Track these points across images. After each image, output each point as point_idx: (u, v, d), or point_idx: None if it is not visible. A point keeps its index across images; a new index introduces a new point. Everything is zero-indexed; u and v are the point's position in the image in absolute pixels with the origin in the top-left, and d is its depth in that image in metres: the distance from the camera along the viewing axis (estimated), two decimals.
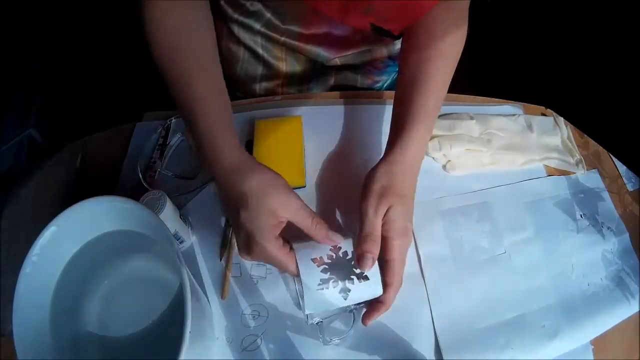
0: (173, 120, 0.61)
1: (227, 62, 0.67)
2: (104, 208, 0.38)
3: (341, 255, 0.41)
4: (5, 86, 1.24)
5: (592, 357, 0.44)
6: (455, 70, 0.50)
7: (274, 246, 0.39)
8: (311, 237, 0.40)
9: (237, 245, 0.42)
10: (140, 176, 0.55)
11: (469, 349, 0.44)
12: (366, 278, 0.40)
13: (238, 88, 0.70)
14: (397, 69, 0.68)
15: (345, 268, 0.40)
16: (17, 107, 1.20)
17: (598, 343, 0.45)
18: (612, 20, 1.19)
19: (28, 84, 1.25)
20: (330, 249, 0.41)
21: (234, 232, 0.42)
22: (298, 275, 0.40)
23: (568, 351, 0.44)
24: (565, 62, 1.27)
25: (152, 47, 0.45)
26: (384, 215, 0.41)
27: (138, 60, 1.34)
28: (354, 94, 0.64)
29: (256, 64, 0.65)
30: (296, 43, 0.60)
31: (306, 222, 0.40)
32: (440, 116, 0.60)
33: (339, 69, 0.66)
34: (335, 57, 0.62)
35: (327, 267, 0.40)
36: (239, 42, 0.63)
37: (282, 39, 0.60)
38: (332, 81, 0.67)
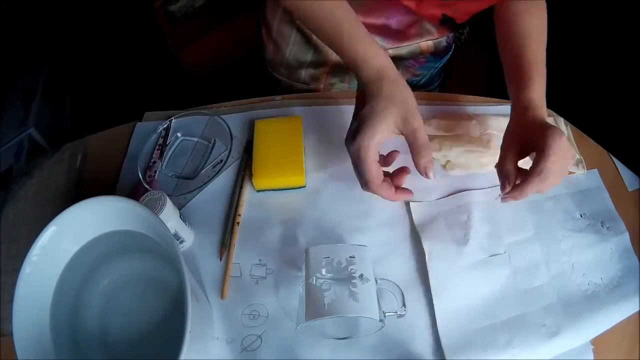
0: (173, 120, 0.61)
1: (275, 45, 0.69)
2: (103, 208, 0.38)
3: (335, 265, 0.41)
4: (5, 86, 1.24)
5: (592, 357, 0.44)
6: (456, 70, 0.50)
7: (371, 151, 0.42)
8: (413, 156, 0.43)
9: (347, 133, 0.45)
10: (140, 176, 0.55)
11: (471, 349, 0.44)
12: (367, 280, 0.40)
13: (281, 73, 0.71)
14: (436, 65, 0.71)
15: (344, 275, 0.40)
16: (17, 107, 1.20)
17: (598, 343, 0.45)
18: (612, 20, 1.19)
19: (28, 84, 1.25)
20: (324, 258, 0.41)
21: (351, 122, 0.46)
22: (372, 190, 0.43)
23: (568, 350, 0.44)
24: (565, 62, 1.26)
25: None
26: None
27: (138, 60, 1.34)
28: (353, 93, 0.64)
29: (306, 49, 0.66)
30: None
31: (413, 144, 0.42)
32: (440, 116, 0.60)
33: None
34: (390, 48, 0.64)
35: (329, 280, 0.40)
36: (293, 24, 0.64)
37: None
38: None
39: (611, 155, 0.60)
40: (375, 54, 0.45)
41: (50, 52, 1.33)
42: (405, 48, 0.65)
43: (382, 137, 0.42)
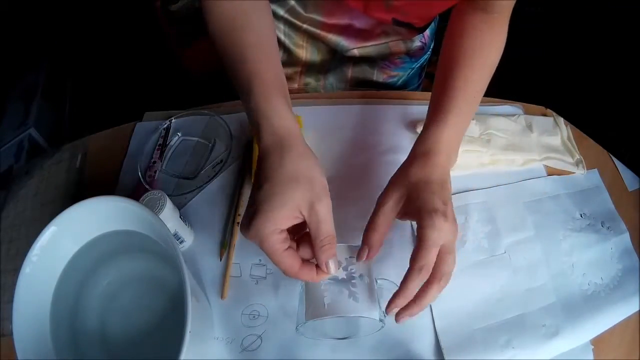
0: (173, 120, 0.61)
1: None
2: (103, 208, 0.38)
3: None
4: (5, 86, 1.24)
5: (592, 357, 0.44)
6: None
7: (272, 243, 0.36)
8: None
9: (243, 217, 0.38)
10: (140, 176, 0.55)
11: (470, 349, 0.44)
12: (367, 280, 0.40)
13: None
14: (413, 66, 0.70)
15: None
16: (17, 107, 1.20)
17: (598, 343, 0.45)
18: (612, 19, 1.19)
19: (28, 84, 1.25)
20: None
21: (249, 202, 0.38)
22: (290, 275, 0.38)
23: (568, 350, 0.44)
24: (565, 62, 1.27)
25: (210, 28, 0.43)
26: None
27: (138, 60, 1.34)
28: (351, 93, 0.64)
29: None
30: (317, 31, 0.61)
31: (317, 236, 0.36)
32: None
33: (357, 61, 0.67)
34: (354, 48, 0.63)
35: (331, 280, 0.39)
36: None
37: (304, 26, 0.61)
38: (349, 73, 0.68)
39: (611, 155, 0.60)
40: (283, 114, 0.38)
41: (50, 52, 1.33)
42: (372, 49, 0.64)
43: (284, 225, 0.36)
